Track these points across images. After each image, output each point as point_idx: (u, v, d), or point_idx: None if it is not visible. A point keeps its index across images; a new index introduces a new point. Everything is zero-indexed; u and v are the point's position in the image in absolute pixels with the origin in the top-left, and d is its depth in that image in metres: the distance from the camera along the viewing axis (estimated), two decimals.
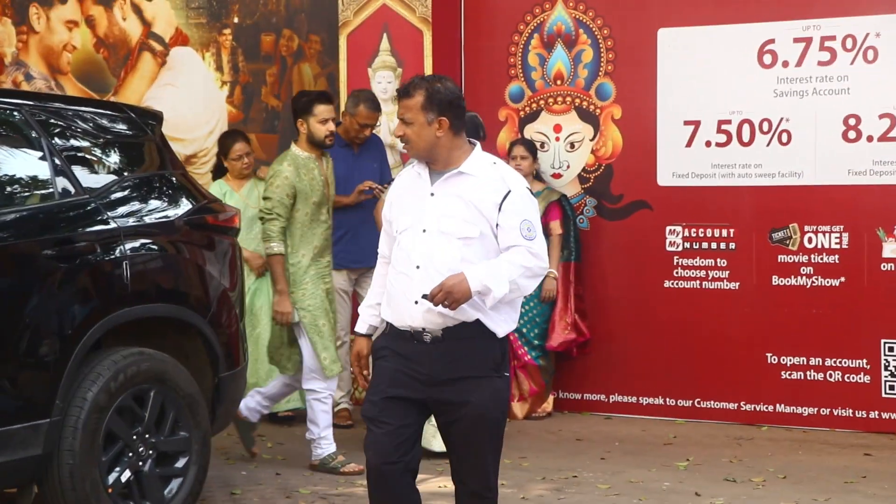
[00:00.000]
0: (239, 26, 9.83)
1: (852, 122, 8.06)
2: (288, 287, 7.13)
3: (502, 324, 4.72)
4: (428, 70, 8.87)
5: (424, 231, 4.71)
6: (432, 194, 4.73)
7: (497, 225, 4.67)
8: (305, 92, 7.52)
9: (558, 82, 8.91)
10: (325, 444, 7.24)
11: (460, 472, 4.83)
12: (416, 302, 4.65)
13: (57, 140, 5.90)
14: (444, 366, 4.68)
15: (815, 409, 8.21)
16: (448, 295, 4.53)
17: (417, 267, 4.68)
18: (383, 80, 9.04)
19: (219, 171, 8.61)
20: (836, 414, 8.16)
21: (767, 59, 8.26)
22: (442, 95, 4.67)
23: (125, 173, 6.21)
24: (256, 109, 9.82)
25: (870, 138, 8.03)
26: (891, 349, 7.98)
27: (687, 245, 8.51)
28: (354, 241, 8.13)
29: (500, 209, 4.66)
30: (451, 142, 4.71)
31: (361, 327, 4.99)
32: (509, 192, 4.68)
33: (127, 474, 5.72)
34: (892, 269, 7.97)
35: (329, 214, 7.34)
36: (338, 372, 7.24)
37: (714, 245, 8.44)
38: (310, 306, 7.17)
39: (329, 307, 7.29)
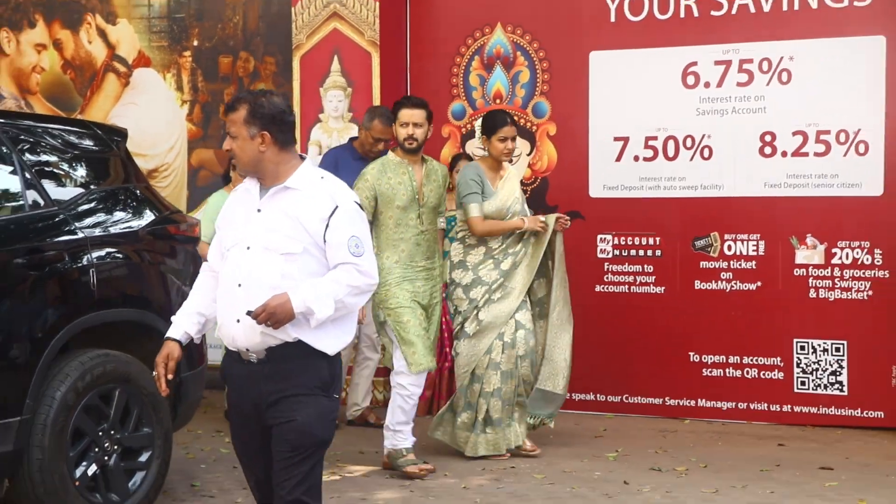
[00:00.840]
0: (198, 49, 9.88)
1: (768, 138, 8.20)
2: None
3: (331, 342, 4.39)
4: (377, 90, 8.97)
5: (249, 248, 4.38)
6: (259, 210, 4.41)
7: (325, 241, 4.35)
8: (395, 101, 7.30)
9: (497, 101, 9.01)
10: (399, 437, 7.02)
11: (280, 487, 4.37)
12: (238, 321, 4.34)
13: (27, 155, 5.92)
14: (272, 386, 4.36)
15: (734, 403, 8.33)
16: (271, 315, 4.23)
17: (239, 285, 4.36)
18: (334, 99, 9.12)
19: (227, 179, 8.42)
20: (752, 408, 8.29)
21: (691, 80, 8.38)
22: (265, 110, 4.37)
23: (92, 186, 6.24)
24: (215, 127, 9.86)
25: (784, 154, 8.18)
26: (802, 348, 8.11)
27: (616, 252, 8.63)
28: None
29: (327, 225, 4.34)
30: (277, 156, 4.40)
31: (175, 332, 4.55)
32: (336, 207, 4.36)
33: (93, 468, 5.74)
34: (804, 274, 8.11)
35: (423, 220, 7.05)
36: (425, 368, 6.96)
37: (641, 252, 8.57)
38: (392, 304, 6.93)
39: (419, 306, 6.99)
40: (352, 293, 4.35)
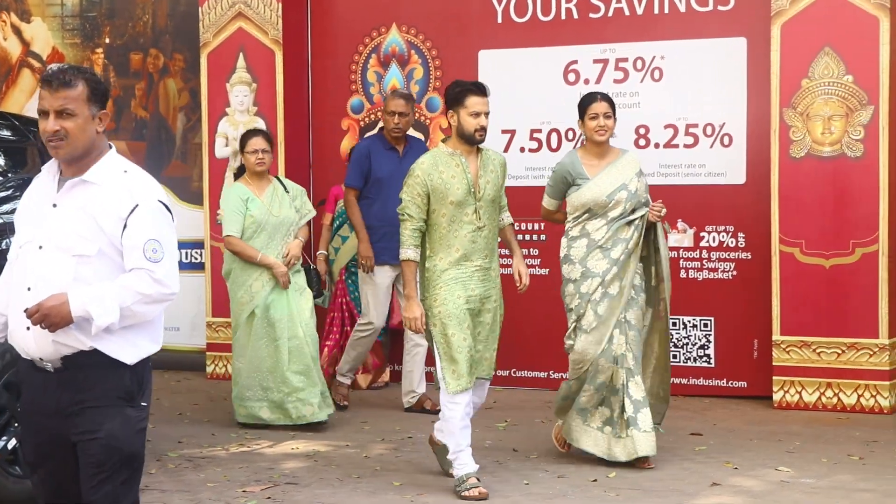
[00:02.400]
0: (110, 46, 9.74)
1: (642, 131, 8.32)
2: (417, 292, 5.94)
3: (129, 350, 3.76)
4: (280, 86, 8.93)
5: (41, 248, 3.72)
6: (55, 205, 3.74)
7: (122, 243, 3.70)
8: (459, 82, 6.04)
9: None
10: (458, 464, 5.96)
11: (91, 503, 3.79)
12: (28, 328, 3.69)
13: None
14: (70, 396, 3.74)
15: None
16: (45, 317, 3.60)
17: (29, 289, 3.70)
18: (240, 94, 9.07)
19: (241, 172, 7.73)
20: None
21: (572, 77, 8.47)
22: (102, 87, 3.75)
23: (9, 174, 6.14)
24: (126, 120, 9.74)
25: (657, 145, 8.31)
26: (674, 324, 8.24)
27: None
28: (396, 238, 7.40)
29: (125, 225, 3.69)
30: (102, 141, 3.80)
31: None
32: (136, 206, 3.70)
33: (13, 442, 5.63)
34: (676, 256, 8.23)
35: (480, 216, 5.94)
36: (462, 389, 5.87)
37: (528, 237, 8.64)
38: (440, 314, 5.90)
39: (468, 315, 5.92)
40: (142, 301, 3.70)
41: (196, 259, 9.58)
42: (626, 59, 8.34)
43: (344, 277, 8.69)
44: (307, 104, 9.24)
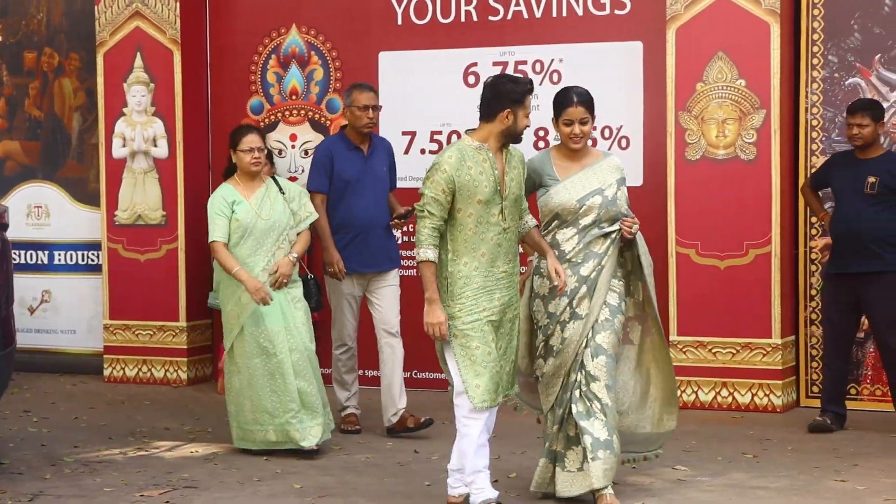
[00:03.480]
0: (3, 44, 9.55)
1: (542, 133, 8.38)
2: (439, 295, 5.38)
3: None
4: (179, 86, 8.84)
5: None
6: None
7: None
8: (523, 81, 5.52)
9: (293, 97, 8.98)
10: (475, 489, 5.47)
11: None
12: None
13: None
14: None
15: None
16: None
17: None
18: (137, 94, 8.96)
19: (230, 172, 7.04)
20: None
21: (472, 79, 8.50)
22: None
23: None
24: (20, 119, 9.56)
25: None
26: None
27: (406, 238, 8.70)
28: (364, 244, 7.26)
29: None
30: None
31: None
32: None
33: None
34: None
35: (506, 216, 5.43)
36: (490, 405, 5.40)
37: None
38: (464, 324, 5.37)
39: (492, 327, 5.39)
40: None
41: (93, 261, 9.44)
42: (525, 62, 8.40)
43: None
44: (206, 105, 9.16)
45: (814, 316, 7.76)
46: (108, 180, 9.08)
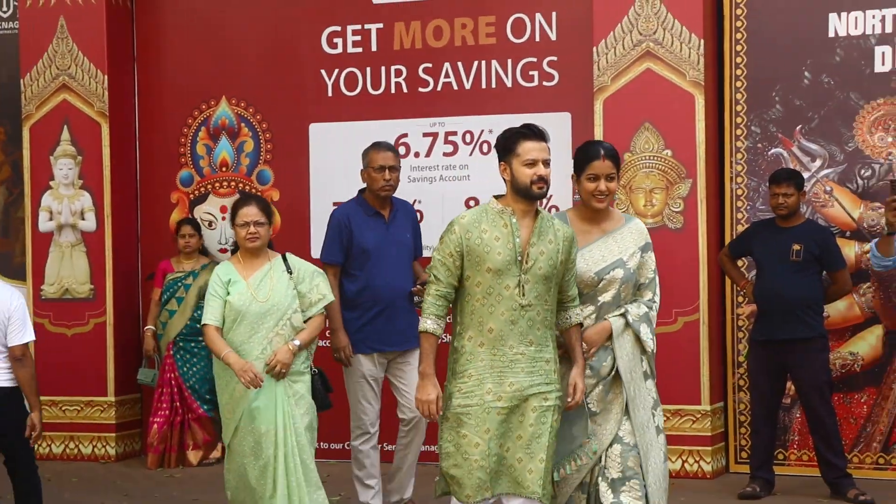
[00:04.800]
0: None
1: (472, 203, 8.47)
2: (433, 369, 4.87)
3: None
4: (107, 158, 8.85)
5: None
6: None
7: None
8: (511, 129, 5.01)
9: (223, 169, 9.02)
10: None
11: None
12: None
13: None
14: None
15: None
16: None
17: None
18: (64, 167, 8.96)
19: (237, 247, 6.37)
20: None
21: (402, 150, 8.58)
22: None
23: None
24: None
25: None
26: None
27: None
28: (388, 320, 6.64)
29: None
30: None
31: None
32: None
33: None
34: None
35: (525, 292, 4.82)
36: (467, 502, 4.84)
37: None
38: (458, 408, 4.82)
39: (496, 415, 4.80)
40: None
41: None
42: (455, 133, 8.51)
43: (172, 352, 8.60)
44: (135, 177, 9.17)
45: (742, 382, 7.89)
46: (35, 254, 9.03)
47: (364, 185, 6.89)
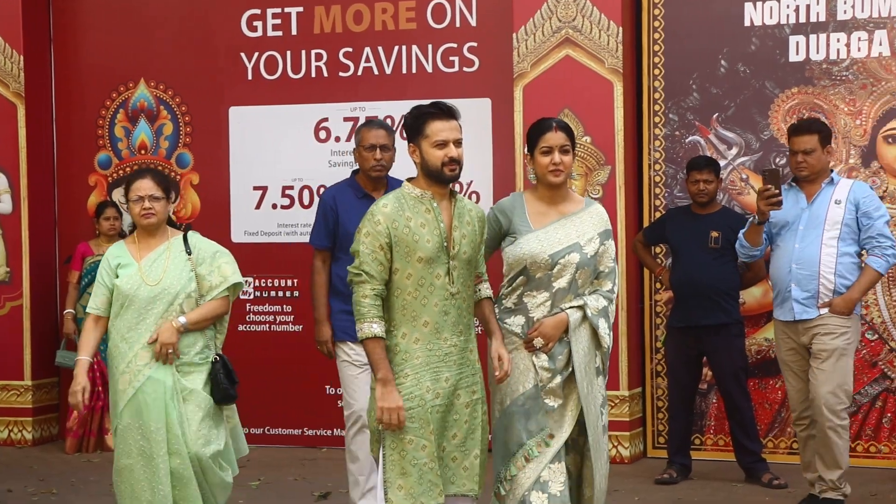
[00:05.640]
0: None
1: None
2: (392, 374, 4.54)
3: None
4: (23, 140, 8.71)
5: None
6: None
7: None
8: (419, 106, 4.73)
9: (143, 152, 8.92)
10: None
11: None
12: None
13: None
14: None
15: None
16: None
17: None
18: None
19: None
20: None
21: (322, 134, 8.55)
22: None
23: None
24: None
25: None
26: None
27: (258, 294, 8.68)
28: None
29: None
30: None
31: None
32: None
33: None
34: None
35: (454, 279, 4.61)
36: None
37: (281, 293, 8.65)
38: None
39: (436, 413, 4.58)
40: None
41: None
42: (375, 118, 8.44)
43: None
44: (52, 159, 9.03)
45: (659, 368, 7.97)
46: None
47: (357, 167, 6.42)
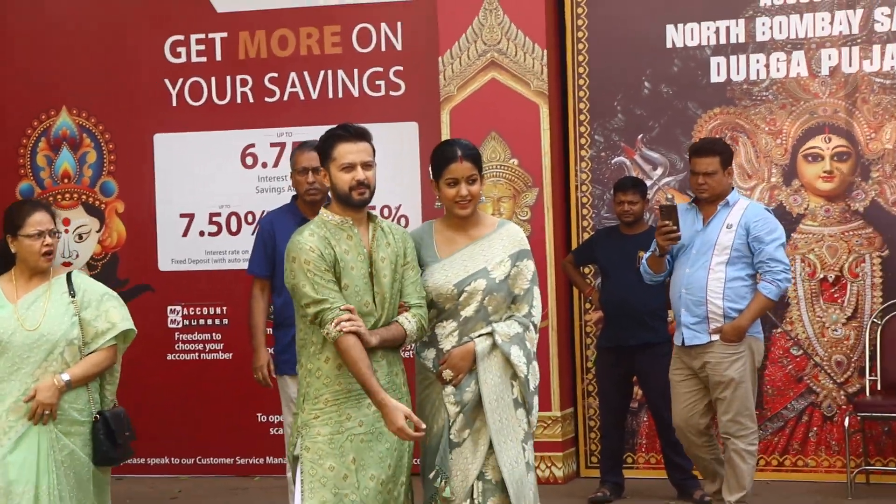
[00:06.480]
0: None
1: None
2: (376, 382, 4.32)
3: None
4: None
5: None
6: None
7: None
8: (329, 131, 4.54)
9: (66, 180, 8.81)
10: None
11: None
12: None
13: None
14: None
15: None
16: None
17: None
18: None
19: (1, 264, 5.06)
20: None
21: (249, 160, 8.51)
22: None
23: None
24: None
25: None
26: None
27: (186, 322, 8.61)
28: None
29: None
30: None
31: None
32: None
33: None
34: None
35: (378, 305, 4.45)
36: None
37: (210, 321, 8.58)
38: (317, 438, 4.36)
39: (364, 443, 4.40)
40: None
41: None
42: (307, 142, 8.41)
43: None
44: None
45: (590, 388, 8.02)
46: None
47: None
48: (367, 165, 4.46)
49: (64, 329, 4.88)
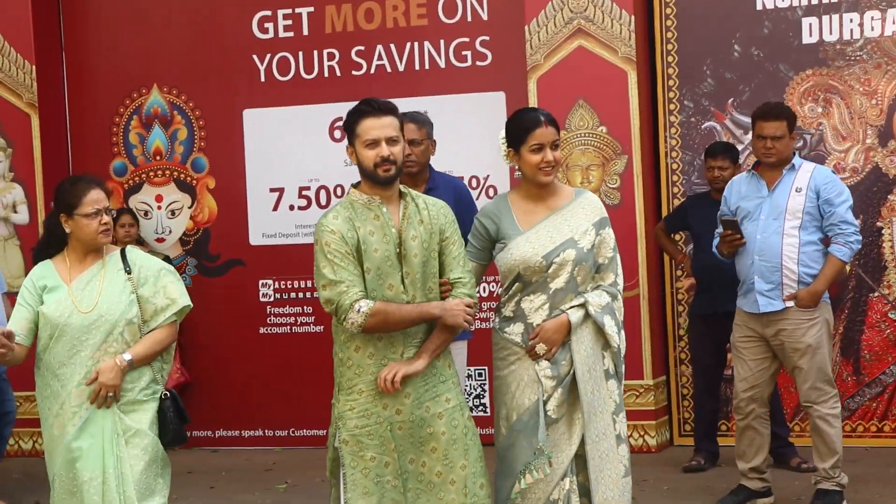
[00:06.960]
0: None
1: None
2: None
3: None
4: (38, 150, 8.73)
5: None
6: None
7: None
8: (354, 107, 4.42)
9: (157, 158, 8.93)
10: None
11: None
12: None
13: None
14: None
15: None
16: None
17: None
18: None
19: (45, 252, 4.88)
20: None
21: (337, 134, 8.56)
22: None
23: None
24: None
25: None
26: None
27: (278, 296, 8.69)
28: None
29: None
30: None
31: None
32: None
33: None
34: None
35: (407, 286, 4.32)
36: None
37: (301, 295, 8.65)
38: (356, 427, 4.35)
39: (399, 432, 4.32)
40: None
41: None
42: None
43: None
44: (67, 168, 9.04)
45: (683, 355, 7.95)
46: None
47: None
48: (393, 141, 4.30)
49: (122, 308, 4.72)
